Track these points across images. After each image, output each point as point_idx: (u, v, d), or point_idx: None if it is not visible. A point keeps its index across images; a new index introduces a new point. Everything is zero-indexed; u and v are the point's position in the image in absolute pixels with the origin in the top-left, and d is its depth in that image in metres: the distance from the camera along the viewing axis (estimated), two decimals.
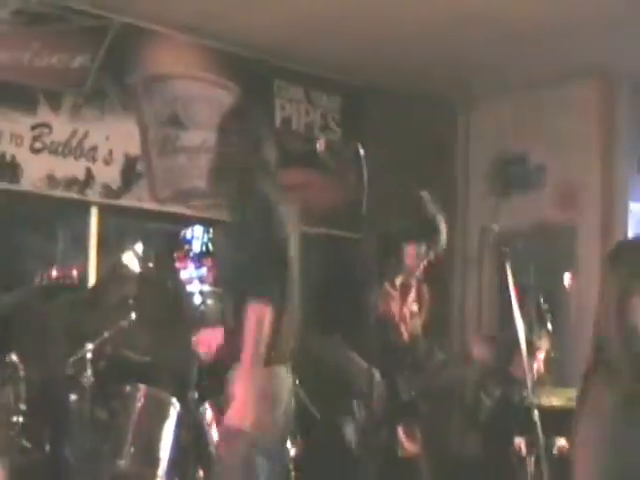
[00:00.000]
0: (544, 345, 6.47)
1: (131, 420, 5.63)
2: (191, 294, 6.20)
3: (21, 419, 5.48)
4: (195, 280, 6.27)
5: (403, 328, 4.76)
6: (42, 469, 5.75)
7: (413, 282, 4.84)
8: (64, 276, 4.70)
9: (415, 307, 4.88)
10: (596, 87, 8.23)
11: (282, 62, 8.10)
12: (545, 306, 6.33)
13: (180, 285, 6.28)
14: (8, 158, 6.72)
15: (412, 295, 4.85)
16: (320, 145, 3.97)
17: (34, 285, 6.06)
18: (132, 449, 5.53)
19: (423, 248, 4.67)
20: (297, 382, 5.13)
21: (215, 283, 5.97)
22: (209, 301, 6.08)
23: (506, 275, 4.52)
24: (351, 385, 4.44)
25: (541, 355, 6.46)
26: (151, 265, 6.64)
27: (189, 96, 7.61)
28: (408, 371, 4.65)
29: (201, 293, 6.15)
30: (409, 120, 8.55)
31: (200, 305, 6.11)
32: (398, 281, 4.75)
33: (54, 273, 4.83)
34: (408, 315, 4.80)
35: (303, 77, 8.27)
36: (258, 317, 3.87)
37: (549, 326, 6.35)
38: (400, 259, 4.68)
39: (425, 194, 4.78)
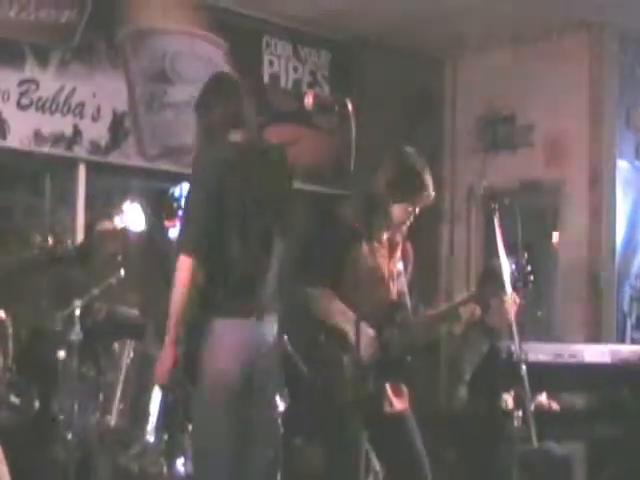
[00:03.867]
0: (529, 302, 6.51)
1: (120, 376, 5.65)
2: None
3: (9, 376, 5.51)
4: None
5: (390, 285, 4.76)
6: (31, 425, 5.78)
7: (399, 239, 4.83)
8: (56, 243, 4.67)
9: (401, 264, 4.88)
10: (583, 41, 8.20)
11: (270, 18, 8.06)
12: (529, 266, 6.36)
13: (168, 242, 6.27)
14: None
15: (398, 252, 4.85)
16: (308, 99, 3.93)
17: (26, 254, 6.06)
18: (121, 405, 5.55)
19: (409, 204, 4.67)
20: (285, 336, 5.17)
21: None
22: None
23: (494, 231, 4.53)
24: (340, 338, 4.46)
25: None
26: (139, 223, 6.63)
27: (177, 51, 7.56)
28: (395, 328, 4.66)
29: None
30: (397, 76, 8.53)
31: None
32: (385, 238, 4.74)
33: (50, 241, 4.78)
34: (395, 272, 4.80)
35: (291, 33, 8.23)
36: (183, 271, 4.00)
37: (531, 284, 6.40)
38: (387, 216, 4.67)
39: (411, 150, 4.77)
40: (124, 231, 6.34)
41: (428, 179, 4.66)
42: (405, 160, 4.70)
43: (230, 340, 4.09)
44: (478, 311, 4.70)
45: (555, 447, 6.02)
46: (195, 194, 4.15)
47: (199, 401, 4.20)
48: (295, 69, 8.27)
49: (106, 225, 6.46)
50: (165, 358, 4.14)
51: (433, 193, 4.67)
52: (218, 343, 4.07)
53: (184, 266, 4.01)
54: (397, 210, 4.67)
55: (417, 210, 4.69)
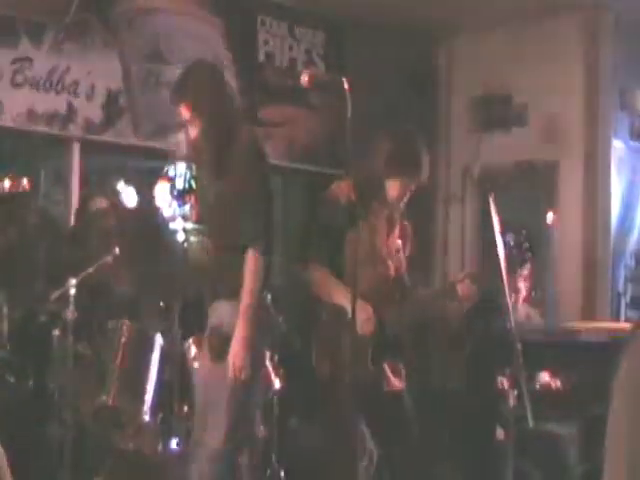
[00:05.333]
0: (526, 281, 6.52)
1: (114, 356, 5.65)
2: (174, 231, 6.18)
3: (4, 354, 5.50)
4: (178, 217, 6.24)
5: (389, 263, 4.76)
6: (26, 404, 5.78)
7: (397, 217, 4.84)
8: (15, 186, 4.60)
9: (399, 242, 4.89)
10: (579, 22, 8.19)
11: None
12: (526, 244, 6.35)
13: (162, 222, 6.26)
14: None
15: (396, 230, 4.85)
16: (304, 78, 3.92)
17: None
18: (116, 384, 5.55)
19: (406, 181, 4.67)
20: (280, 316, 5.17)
21: (198, 220, 5.95)
22: (192, 238, 6.06)
23: (490, 212, 4.53)
24: (338, 317, 4.46)
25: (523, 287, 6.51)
26: (134, 201, 6.61)
27: (172, 30, 7.52)
28: (393, 306, 4.67)
29: (184, 230, 6.13)
30: (393, 56, 8.51)
31: (183, 242, 6.09)
32: (383, 216, 4.74)
33: (5, 185, 4.68)
34: (393, 250, 4.80)
35: (287, 12, 8.20)
36: (257, 265, 4.13)
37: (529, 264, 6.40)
38: (384, 193, 4.67)
39: (407, 127, 4.78)
40: (118, 209, 6.33)
41: (424, 154, 4.67)
42: (402, 136, 4.71)
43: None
44: (474, 290, 4.69)
45: (551, 426, 6.03)
46: (264, 189, 4.28)
47: None
48: (290, 48, 8.24)
49: (100, 203, 6.45)
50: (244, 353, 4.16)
51: (428, 169, 4.68)
52: None
53: (256, 262, 4.16)
54: (394, 186, 4.67)
55: (413, 187, 4.69)
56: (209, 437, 4.22)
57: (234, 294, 4.18)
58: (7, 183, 4.56)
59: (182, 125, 4.42)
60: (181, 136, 4.49)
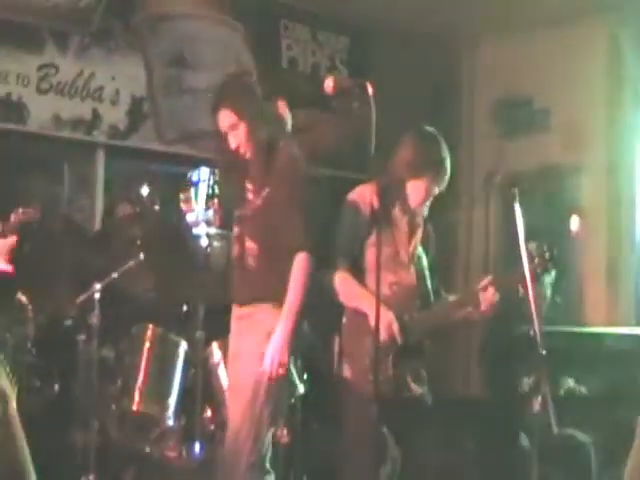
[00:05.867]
0: (549, 287, 6.50)
1: (139, 360, 5.67)
2: (198, 236, 6.21)
3: (30, 359, 5.54)
4: (202, 223, 6.26)
5: (411, 268, 4.76)
6: (52, 408, 5.81)
7: (419, 222, 4.83)
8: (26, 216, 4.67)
9: (422, 247, 4.88)
10: (601, 25, 8.15)
11: (289, 1, 8.04)
12: (548, 252, 6.32)
13: (186, 227, 6.29)
14: (15, 98, 6.72)
15: (418, 235, 4.85)
16: (328, 83, 3.93)
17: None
18: (140, 389, 5.58)
19: (429, 185, 4.67)
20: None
21: (221, 225, 5.98)
22: (215, 243, 6.09)
23: (514, 216, 4.51)
24: (360, 322, 4.47)
25: (546, 297, 6.49)
26: (157, 207, 6.64)
27: (195, 36, 7.56)
28: (415, 312, 4.66)
29: (207, 236, 6.15)
30: (415, 61, 8.51)
31: (207, 248, 6.12)
32: (405, 221, 4.74)
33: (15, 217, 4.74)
34: (415, 255, 4.80)
35: (310, 17, 8.22)
36: (308, 266, 4.32)
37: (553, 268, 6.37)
38: (406, 197, 4.67)
39: (430, 129, 4.77)
40: (143, 215, 6.36)
41: (447, 157, 4.67)
42: (425, 138, 4.71)
43: None
44: (497, 297, 4.67)
45: (575, 433, 6.01)
46: (306, 193, 4.38)
47: None
48: (313, 53, 8.26)
49: (125, 209, 6.48)
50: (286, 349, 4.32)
51: (450, 172, 4.68)
52: None
53: (307, 263, 4.32)
54: (417, 191, 4.67)
55: (437, 191, 4.69)
56: (243, 445, 4.29)
57: (277, 296, 4.32)
58: (17, 214, 4.64)
59: (219, 134, 4.46)
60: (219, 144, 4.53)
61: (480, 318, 4.72)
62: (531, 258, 4.48)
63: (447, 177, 4.69)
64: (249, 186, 4.50)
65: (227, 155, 4.51)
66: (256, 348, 4.35)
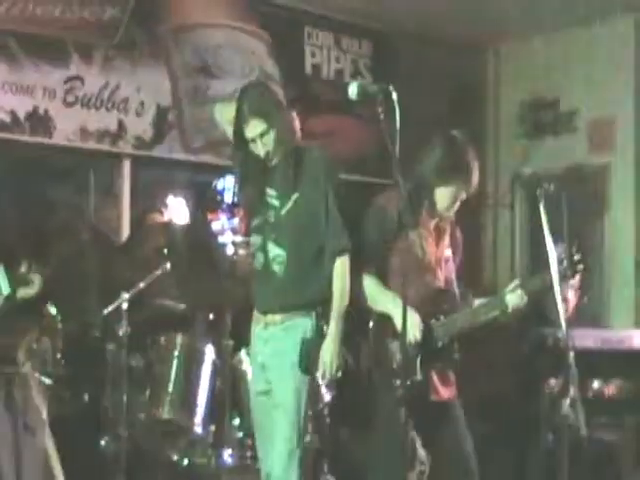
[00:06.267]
0: (577, 287, 6.46)
1: (167, 369, 5.70)
2: (223, 245, 6.23)
3: (59, 370, 5.57)
4: (227, 231, 6.28)
5: (438, 272, 4.75)
6: (81, 418, 5.84)
7: (447, 226, 4.82)
8: None
9: (449, 251, 4.87)
10: (628, 24, 8.11)
11: (312, 8, 8.05)
12: (577, 255, 6.29)
13: (212, 235, 6.31)
14: (41, 112, 6.75)
15: (446, 240, 4.83)
16: (352, 89, 3.93)
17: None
18: (169, 398, 5.61)
19: (456, 190, 4.65)
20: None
21: (246, 233, 5.99)
22: (241, 251, 6.11)
23: (540, 218, 4.49)
24: (388, 325, 4.47)
25: (573, 297, 6.45)
26: (183, 216, 6.66)
27: (219, 45, 7.58)
28: (442, 315, 4.65)
29: (233, 244, 6.17)
30: (440, 64, 8.50)
31: (232, 256, 6.13)
32: (432, 225, 4.73)
33: None
34: (442, 258, 4.79)
35: (333, 23, 8.22)
36: (348, 269, 4.41)
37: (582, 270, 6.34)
38: (434, 201, 4.66)
39: (455, 133, 4.76)
40: (169, 225, 6.39)
41: (475, 161, 4.65)
42: (452, 142, 4.69)
43: None
44: (524, 300, 4.65)
45: (604, 435, 5.98)
46: (340, 199, 4.44)
47: None
48: (337, 59, 8.27)
49: (152, 219, 6.51)
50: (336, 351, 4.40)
51: (478, 175, 4.67)
52: None
53: (347, 266, 4.41)
54: (444, 195, 4.65)
55: (463, 195, 4.67)
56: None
57: (309, 303, 4.40)
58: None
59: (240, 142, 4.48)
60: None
61: (507, 321, 4.70)
62: (560, 260, 4.46)
63: (475, 182, 4.68)
64: (271, 192, 4.49)
65: (249, 163, 4.52)
66: (291, 358, 4.37)
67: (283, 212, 4.44)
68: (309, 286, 4.40)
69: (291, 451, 4.33)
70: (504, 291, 4.71)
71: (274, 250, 4.45)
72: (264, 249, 4.49)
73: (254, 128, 4.37)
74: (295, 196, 4.42)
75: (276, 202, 4.47)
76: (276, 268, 4.44)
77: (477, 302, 4.84)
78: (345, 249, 4.40)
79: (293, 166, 4.42)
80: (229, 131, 4.58)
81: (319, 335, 4.41)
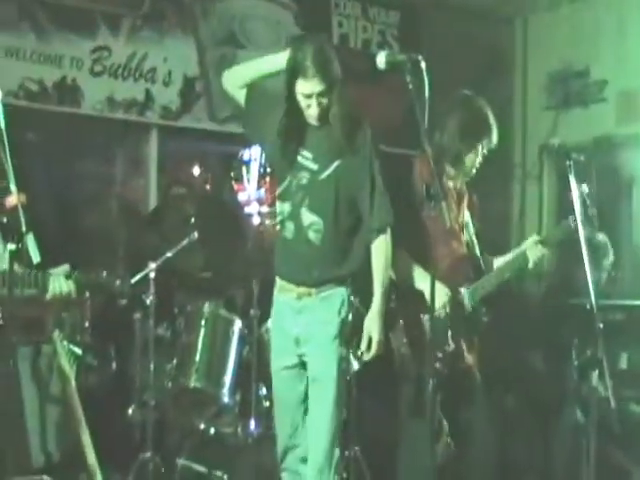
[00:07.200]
0: (605, 260, 6.44)
1: (194, 338, 5.71)
2: (250, 215, 6.23)
3: (87, 339, 5.60)
4: (253, 201, 6.28)
5: (461, 237, 4.76)
6: (109, 387, 5.88)
7: (465, 189, 4.84)
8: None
9: (468, 215, 4.88)
10: None
11: None
12: (603, 237, 6.26)
13: (238, 206, 6.31)
14: (69, 82, 6.78)
15: (465, 202, 4.85)
16: (380, 58, 3.89)
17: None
18: (196, 367, 5.62)
19: (476, 154, 4.68)
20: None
21: (272, 203, 5.98)
22: (267, 222, 6.11)
23: (570, 188, 4.47)
24: (418, 299, 4.46)
25: (604, 269, 6.43)
26: (209, 186, 6.67)
27: (246, 14, 7.58)
28: (469, 282, 4.66)
29: (259, 214, 6.17)
30: (467, 34, 8.44)
31: (259, 226, 6.14)
32: (454, 190, 4.74)
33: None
34: (463, 223, 4.81)
35: None
36: (389, 246, 4.31)
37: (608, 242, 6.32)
38: (458, 167, 4.68)
39: (476, 98, 4.77)
40: (196, 194, 6.39)
41: (492, 115, 4.68)
42: (469, 104, 4.71)
43: None
44: (544, 252, 4.67)
45: (634, 408, 5.94)
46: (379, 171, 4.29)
47: None
48: (364, 29, 8.23)
49: (179, 189, 6.52)
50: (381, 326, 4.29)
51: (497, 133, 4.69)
52: None
53: (389, 241, 4.30)
54: (471, 159, 4.69)
55: (486, 151, 4.69)
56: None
57: (347, 275, 4.28)
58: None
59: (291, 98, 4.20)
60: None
61: (527, 276, 4.74)
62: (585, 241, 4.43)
63: (494, 139, 4.71)
64: (307, 154, 4.27)
65: (288, 118, 4.26)
66: (331, 330, 4.25)
67: (322, 176, 4.23)
68: (348, 257, 4.27)
69: (334, 435, 4.23)
70: (524, 246, 4.75)
71: (309, 217, 4.23)
72: (296, 216, 4.26)
73: (315, 85, 4.09)
74: (337, 162, 4.21)
75: (313, 165, 4.25)
76: (312, 236, 4.23)
77: (500, 260, 4.86)
78: (390, 225, 4.29)
79: (344, 132, 4.19)
80: (239, 96, 4.35)
81: (351, 307, 4.31)
